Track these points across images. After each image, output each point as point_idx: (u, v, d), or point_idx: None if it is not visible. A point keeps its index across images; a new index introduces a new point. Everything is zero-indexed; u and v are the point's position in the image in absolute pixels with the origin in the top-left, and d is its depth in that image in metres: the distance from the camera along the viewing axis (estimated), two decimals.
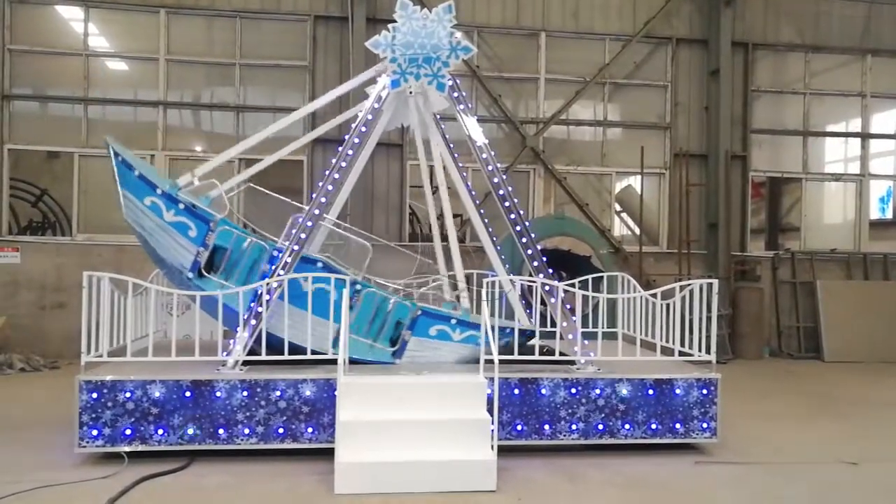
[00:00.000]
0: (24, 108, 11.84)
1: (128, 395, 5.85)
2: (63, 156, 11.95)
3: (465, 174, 8.31)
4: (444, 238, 7.63)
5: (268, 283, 6.20)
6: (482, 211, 8.28)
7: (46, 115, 12.05)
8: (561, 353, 6.69)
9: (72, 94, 11.86)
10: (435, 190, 13.19)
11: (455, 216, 12.82)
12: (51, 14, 11.91)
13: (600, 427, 6.33)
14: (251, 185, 7.60)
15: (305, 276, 6.36)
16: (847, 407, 8.75)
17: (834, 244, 13.71)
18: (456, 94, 6.97)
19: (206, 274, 6.47)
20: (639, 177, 13.29)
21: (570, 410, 6.29)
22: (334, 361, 5.79)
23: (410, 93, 6.86)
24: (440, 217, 13.15)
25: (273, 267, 6.41)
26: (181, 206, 6.45)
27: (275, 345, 6.32)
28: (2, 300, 11.30)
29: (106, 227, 11.84)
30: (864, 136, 13.95)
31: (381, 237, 12.01)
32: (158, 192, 6.44)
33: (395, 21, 6.79)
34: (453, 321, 6.73)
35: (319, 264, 6.61)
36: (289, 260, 6.41)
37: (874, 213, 14.25)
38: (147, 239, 6.53)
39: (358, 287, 6.60)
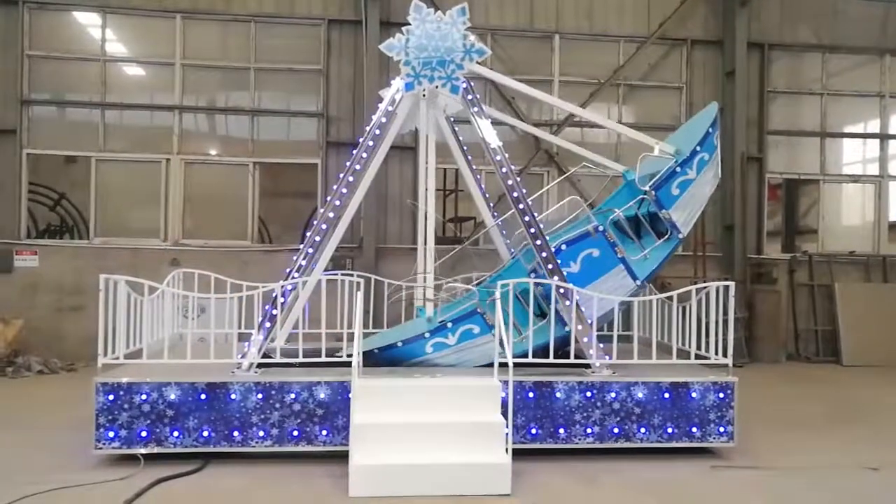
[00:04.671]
0: (42, 113, 11.97)
1: (144, 397, 5.89)
2: (80, 160, 12.06)
3: (478, 177, 8.34)
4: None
5: (282, 286, 6.22)
6: (496, 213, 8.31)
7: (64, 120, 12.17)
8: (576, 357, 6.65)
9: (89, 98, 11.97)
10: (449, 192, 13.11)
11: (469, 219, 12.86)
12: (69, 20, 12.03)
13: (615, 431, 6.29)
14: None
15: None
16: (866, 411, 8.64)
17: (852, 246, 13.54)
18: (470, 97, 6.97)
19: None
20: None
21: (585, 414, 6.26)
22: (348, 364, 5.79)
23: (424, 95, 6.86)
24: (451, 220, 13.24)
25: (288, 270, 6.43)
26: None
27: None
28: (20, 303, 11.41)
29: (122, 230, 11.95)
30: (883, 137, 13.78)
31: (393, 241, 12.12)
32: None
33: (408, 24, 6.80)
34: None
35: None
36: (303, 263, 6.43)
37: (893, 215, 14.06)
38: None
39: None
